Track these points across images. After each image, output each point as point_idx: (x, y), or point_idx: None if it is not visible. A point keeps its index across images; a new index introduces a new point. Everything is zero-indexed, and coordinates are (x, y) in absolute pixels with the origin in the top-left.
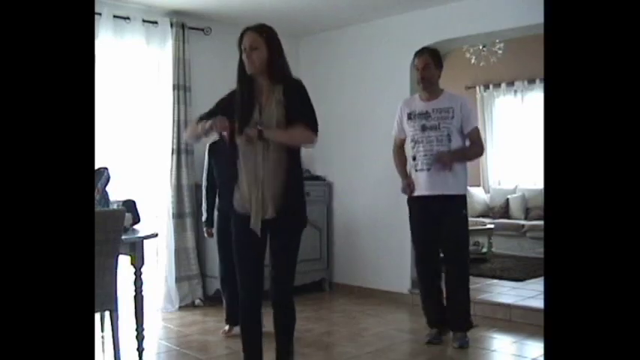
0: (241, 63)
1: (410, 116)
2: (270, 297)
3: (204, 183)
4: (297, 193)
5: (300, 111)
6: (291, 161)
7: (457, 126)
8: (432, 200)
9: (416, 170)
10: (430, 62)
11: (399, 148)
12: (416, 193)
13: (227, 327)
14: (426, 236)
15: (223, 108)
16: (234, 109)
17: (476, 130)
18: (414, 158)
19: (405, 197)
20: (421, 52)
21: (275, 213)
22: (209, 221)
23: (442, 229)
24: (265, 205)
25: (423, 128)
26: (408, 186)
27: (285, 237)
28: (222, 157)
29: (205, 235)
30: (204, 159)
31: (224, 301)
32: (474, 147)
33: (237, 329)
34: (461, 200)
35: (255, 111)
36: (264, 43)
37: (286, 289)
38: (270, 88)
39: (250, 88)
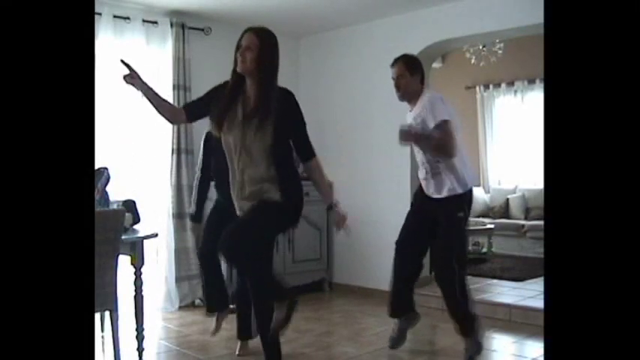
0: (235, 61)
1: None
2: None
3: (197, 174)
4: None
5: (301, 140)
6: (274, 160)
7: (427, 127)
8: (431, 201)
9: (417, 177)
10: (404, 71)
11: None
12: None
13: (239, 344)
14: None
15: (212, 97)
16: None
17: (442, 124)
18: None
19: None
20: (395, 61)
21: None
22: (197, 217)
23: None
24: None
25: None
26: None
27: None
28: (220, 148)
29: (190, 231)
30: (200, 149)
31: (238, 315)
32: (437, 134)
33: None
34: (456, 200)
35: (239, 109)
36: (258, 45)
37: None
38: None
39: (238, 85)
